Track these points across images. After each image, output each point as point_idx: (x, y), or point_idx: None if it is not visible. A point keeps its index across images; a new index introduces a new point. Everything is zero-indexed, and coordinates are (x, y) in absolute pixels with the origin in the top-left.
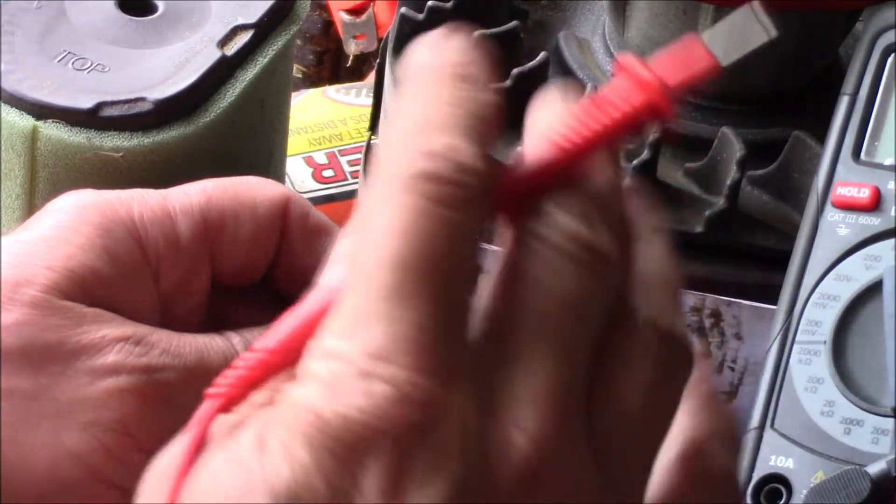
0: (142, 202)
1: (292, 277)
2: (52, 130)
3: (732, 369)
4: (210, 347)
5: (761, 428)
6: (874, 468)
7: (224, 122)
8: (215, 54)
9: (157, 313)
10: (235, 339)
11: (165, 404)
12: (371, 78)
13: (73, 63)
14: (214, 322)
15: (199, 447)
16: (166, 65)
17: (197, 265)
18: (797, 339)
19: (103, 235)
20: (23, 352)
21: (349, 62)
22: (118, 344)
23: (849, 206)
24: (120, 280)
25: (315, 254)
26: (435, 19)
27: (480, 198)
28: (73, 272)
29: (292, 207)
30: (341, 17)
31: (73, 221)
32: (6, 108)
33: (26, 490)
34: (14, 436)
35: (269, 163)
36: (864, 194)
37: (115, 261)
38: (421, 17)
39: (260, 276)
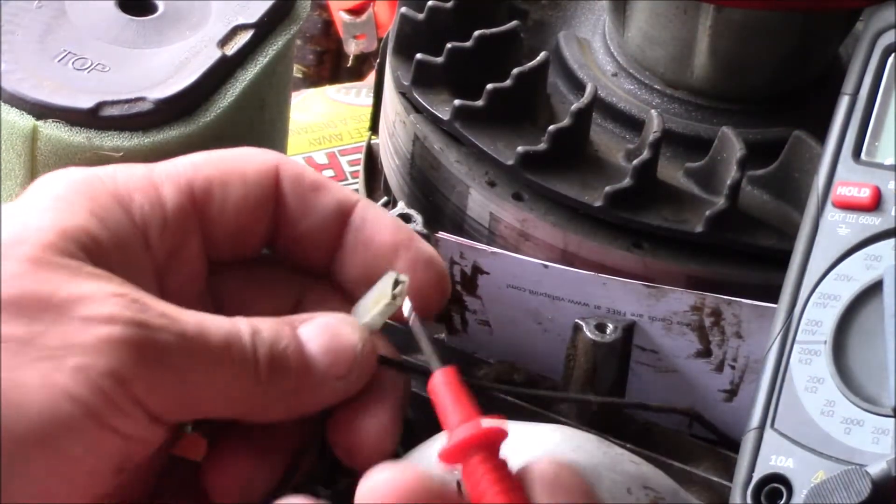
0: (126, 172)
1: (295, 243)
2: (52, 130)
3: (733, 367)
4: (213, 322)
5: (761, 428)
6: (874, 468)
7: (224, 122)
8: (216, 54)
9: (153, 281)
10: (242, 322)
11: (161, 364)
12: (371, 78)
13: (73, 63)
14: (222, 303)
15: None
16: (166, 64)
17: (186, 231)
18: (797, 338)
19: (90, 201)
20: (17, 301)
21: (349, 62)
22: (114, 298)
23: (849, 206)
24: (111, 242)
25: (313, 213)
26: (435, 19)
27: None
28: (65, 231)
29: (283, 171)
30: (341, 17)
31: (60, 190)
32: (6, 108)
33: (26, 430)
34: (11, 377)
35: None
36: (864, 194)
37: (104, 224)
38: (421, 16)
39: (259, 245)
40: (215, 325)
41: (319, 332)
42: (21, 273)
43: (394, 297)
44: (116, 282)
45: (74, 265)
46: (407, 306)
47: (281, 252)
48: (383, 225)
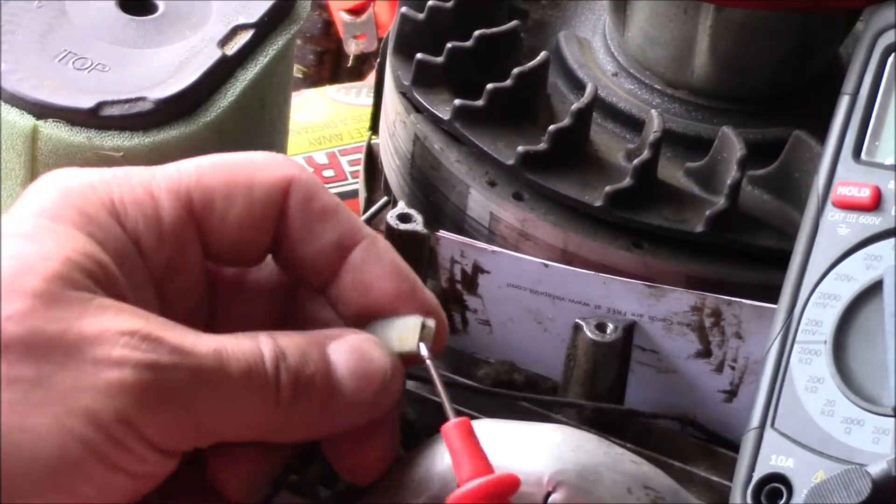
0: (123, 183)
1: (292, 262)
2: (52, 130)
3: (733, 368)
4: (234, 349)
5: (762, 427)
6: (875, 468)
7: (224, 122)
8: (216, 54)
9: (153, 293)
10: (266, 344)
11: (173, 404)
12: (371, 78)
13: (73, 62)
14: (216, 300)
15: None
16: (167, 64)
17: (183, 243)
18: (798, 338)
19: (87, 220)
20: (26, 341)
21: (349, 62)
22: (124, 338)
23: (849, 206)
24: (112, 263)
25: (314, 241)
26: (435, 19)
27: None
28: (70, 260)
29: (294, 190)
30: (341, 17)
31: (56, 207)
32: (6, 108)
33: (40, 472)
34: (22, 422)
35: None
36: (864, 194)
37: (103, 245)
38: (421, 16)
39: (260, 257)
40: (236, 352)
41: (349, 354)
42: (30, 310)
43: (419, 344)
44: (127, 313)
45: (83, 297)
46: (424, 351)
47: (280, 263)
48: (384, 272)
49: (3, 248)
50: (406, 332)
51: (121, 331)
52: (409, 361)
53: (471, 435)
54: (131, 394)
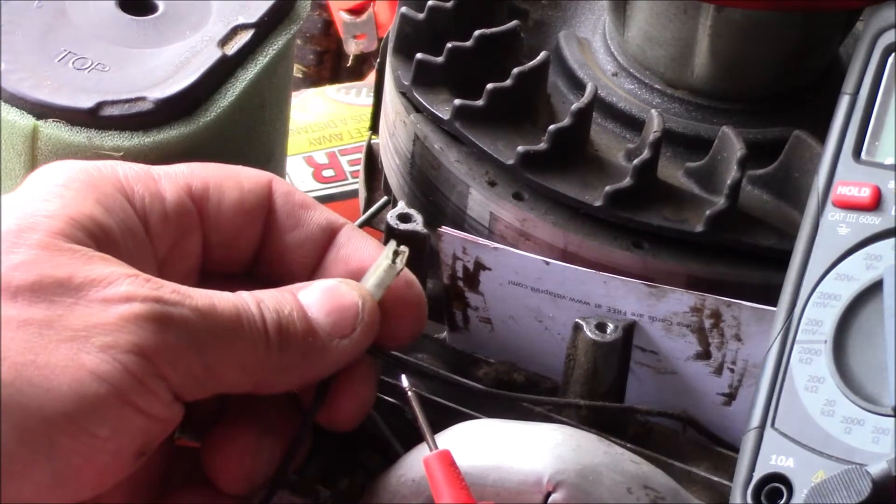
0: (126, 165)
1: (280, 255)
2: (52, 130)
3: (732, 371)
4: (221, 298)
5: (762, 427)
6: (875, 468)
7: (224, 122)
8: (216, 54)
9: (155, 272)
10: (246, 294)
11: (181, 337)
12: (371, 78)
13: (73, 62)
14: None
15: None
16: (167, 64)
17: (186, 226)
18: (798, 338)
19: (93, 190)
20: (34, 287)
21: (349, 62)
22: (129, 278)
23: (849, 206)
24: (117, 231)
25: (302, 227)
26: (435, 19)
27: None
28: (73, 219)
29: (276, 186)
30: (341, 16)
31: (63, 180)
32: (6, 108)
33: (53, 409)
34: (35, 359)
35: (269, 162)
36: (864, 194)
37: (109, 212)
38: (421, 16)
39: (249, 255)
40: (223, 299)
41: (319, 294)
42: (36, 259)
43: (393, 261)
44: (126, 266)
45: (85, 251)
46: (405, 382)
47: (265, 265)
48: (366, 246)
49: (13, 206)
50: (381, 260)
51: (124, 273)
52: (386, 309)
53: (452, 466)
54: (143, 325)
